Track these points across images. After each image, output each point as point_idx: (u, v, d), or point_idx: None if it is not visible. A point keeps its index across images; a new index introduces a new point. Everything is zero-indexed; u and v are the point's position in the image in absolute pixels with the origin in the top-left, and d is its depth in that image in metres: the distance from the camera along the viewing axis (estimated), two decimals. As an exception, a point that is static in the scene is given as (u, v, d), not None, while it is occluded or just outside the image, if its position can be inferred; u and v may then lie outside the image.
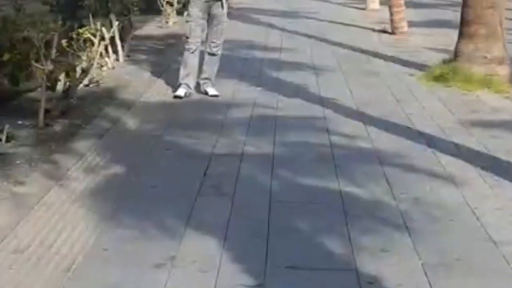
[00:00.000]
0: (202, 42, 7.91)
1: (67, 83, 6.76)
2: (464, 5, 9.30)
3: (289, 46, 11.71)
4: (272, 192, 4.88)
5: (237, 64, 9.87)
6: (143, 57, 10.19)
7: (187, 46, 7.70)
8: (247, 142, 6.07)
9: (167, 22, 13.76)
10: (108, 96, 7.58)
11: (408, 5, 14.24)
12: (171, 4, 13.88)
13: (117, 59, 9.65)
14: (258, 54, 10.84)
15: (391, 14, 13.95)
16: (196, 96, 7.84)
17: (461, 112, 7.51)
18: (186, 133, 6.28)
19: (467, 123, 7.06)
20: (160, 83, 8.43)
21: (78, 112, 6.78)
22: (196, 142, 5.99)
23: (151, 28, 13.31)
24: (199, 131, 6.39)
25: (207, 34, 7.84)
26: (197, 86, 7.93)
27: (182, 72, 7.74)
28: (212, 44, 7.83)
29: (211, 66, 7.88)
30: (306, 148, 6.00)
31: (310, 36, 13.05)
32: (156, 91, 8.01)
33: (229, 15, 16.40)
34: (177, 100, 7.59)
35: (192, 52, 7.67)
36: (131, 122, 6.58)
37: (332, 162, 5.60)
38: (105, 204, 4.53)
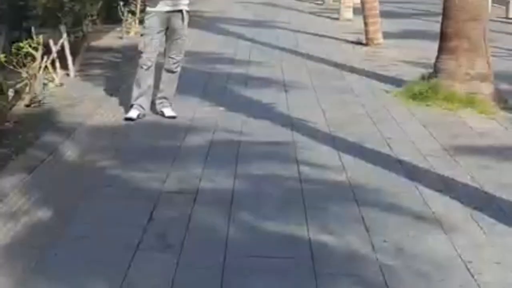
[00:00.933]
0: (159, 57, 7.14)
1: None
2: (444, 17, 8.57)
3: (258, 59, 10.94)
4: (228, 244, 4.07)
5: (200, 79, 9.07)
6: (98, 71, 9.35)
7: (141, 63, 6.88)
8: (204, 176, 5.26)
9: (128, 33, 12.91)
10: (49, 119, 6.73)
11: (382, 14, 13.55)
12: (133, 13, 13.05)
13: (68, 74, 8.82)
14: (224, 68, 10.05)
15: (366, 24, 13.25)
16: (150, 117, 7.02)
17: (444, 136, 6.78)
18: (133, 164, 5.47)
19: (451, 150, 6.32)
20: (112, 102, 7.61)
21: (10, 139, 5.95)
22: (143, 176, 5.17)
23: (110, 38, 12.46)
24: (148, 161, 5.57)
25: (165, 49, 7.04)
26: (153, 105, 7.14)
27: (135, 91, 6.92)
28: (171, 61, 7.01)
29: (169, 85, 7.07)
30: (272, 183, 5.20)
31: (280, 48, 12.29)
32: (106, 112, 7.18)
33: (197, 24, 15.94)
34: (129, 123, 6.76)
35: (147, 69, 6.86)
36: (71, 151, 5.74)
37: (301, 202, 4.81)
38: (17, 265, 3.70)
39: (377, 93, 8.78)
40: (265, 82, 9.10)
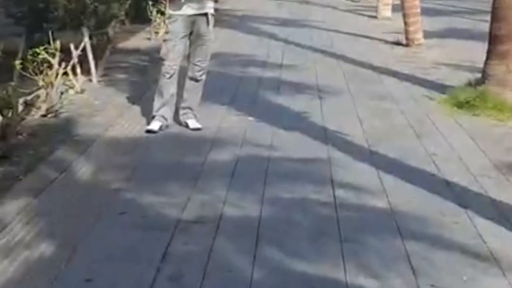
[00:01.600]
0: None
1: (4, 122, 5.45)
2: (494, 18, 7.92)
3: (291, 62, 10.38)
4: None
5: (229, 84, 8.54)
6: (122, 76, 8.86)
7: (163, 70, 6.36)
8: (228, 200, 4.73)
9: (156, 33, 12.39)
10: (66, 130, 6.25)
11: (422, 12, 12.86)
12: (162, 13, 12.55)
13: (90, 80, 8.35)
14: (255, 71, 9.50)
15: (406, 24, 12.60)
16: (173, 128, 6.50)
17: (495, 152, 6.16)
18: (152, 186, 4.95)
19: (504, 167, 5.70)
20: (135, 110, 7.10)
21: (21, 155, 5.47)
22: (161, 201, 4.65)
23: (138, 39, 11.99)
24: (168, 182, 5.04)
25: (189, 56, 6.51)
26: (177, 115, 6.62)
27: (156, 101, 6.41)
28: (195, 68, 6.48)
29: (193, 94, 6.55)
30: (303, 209, 4.64)
31: (315, 49, 11.72)
32: (128, 122, 6.68)
33: (228, 24, 15.41)
34: (150, 135, 6.24)
35: (169, 78, 6.34)
36: (85, 169, 5.24)
37: (337, 233, 4.25)
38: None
39: (419, 100, 8.17)
40: (298, 87, 8.54)
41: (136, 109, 7.16)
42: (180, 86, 6.59)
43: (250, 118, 6.99)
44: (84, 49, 8.19)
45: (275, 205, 4.69)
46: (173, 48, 6.30)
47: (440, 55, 11.48)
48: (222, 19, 15.86)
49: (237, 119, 6.96)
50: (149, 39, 11.98)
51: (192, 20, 6.31)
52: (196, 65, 6.45)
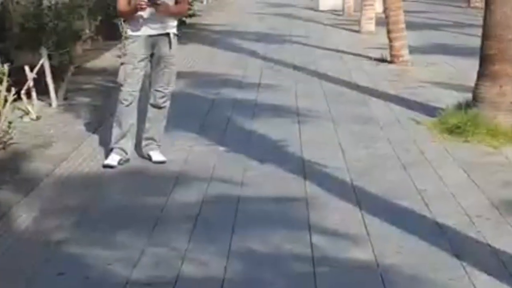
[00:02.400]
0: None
1: None
2: (485, 37, 7.31)
3: (270, 81, 9.76)
4: None
5: (200, 108, 7.90)
6: (85, 99, 8.19)
7: (121, 97, 5.70)
8: (188, 254, 4.06)
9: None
10: (12, 167, 5.57)
11: (406, 26, 12.26)
12: (134, 29, 11.91)
13: (50, 104, 7.69)
14: (230, 93, 8.87)
15: (390, 40, 12.00)
16: (134, 162, 5.84)
17: (491, 186, 5.53)
18: (100, 235, 4.28)
19: (503, 206, 5.07)
20: (93, 141, 6.44)
21: (-46, 199, 4.82)
22: (108, 255, 3.99)
23: (108, 58, 11.32)
24: (121, 230, 4.38)
25: (150, 81, 5.88)
26: (138, 146, 5.97)
27: (115, 132, 5.75)
28: (158, 94, 5.83)
29: (156, 123, 5.90)
30: (276, 265, 3.98)
31: (295, 67, 11.10)
32: (84, 155, 6.01)
33: (205, 40, 14.78)
34: (108, 170, 5.59)
35: (128, 105, 5.69)
36: (25, 216, 4.57)
37: (313, 298, 3.63)
38: None
39: (406, 124, 7.55)
40: (276, 111, 7.90)
41: (95, 138, 6.49)
42: (142, 114, 5.95)
43: (221, 148, 6.34)
44: (43, 71, 7.54)
45: (243, 259, 4.04)
46: (132, 72, 5.65)
47: (426, 73, 10.90)
48: (200, 34, 15.29)
49: (206, 149, 6.31)
50: (120, 57, 11.31)
51: (153, 41, 5.67)
52: (159, 91, 5.80)
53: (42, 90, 7.76)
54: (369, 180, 5.59)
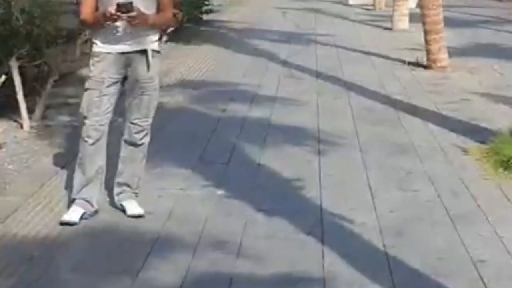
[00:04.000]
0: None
1: None
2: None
3: (288, 94, 8.41)
4: None
5: (201, 131, 6.58)
6: (67, 118, 6.88)
7: (84, 134, 4.40)
8: None
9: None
10: None
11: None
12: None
13: (21, 126, 6.44)
14: (241, 109, 7.53)
15: (427, 42, 10.59)
16: (104, 215, 4.52)
17: None
18: None
19: None
20: (60, 180, 5.11)
21: None
22: None
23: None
24: None
25: (125, 110, 4.58)
26: (110, 195, 4.69)
27: (77, 178, 4.43)
28: (134, 128, 4.50)
29: (133, 164, 4.57)
30: None
31: (319, 74, 9.74)
32: (42, 203, 4.70)
33: (222, 40, 13.41)
34: (66, 228, 4.31)
35: (93, 144, 4.39)
36: None
37: None
38: None
39: (449, 153, 6.18)
40: (292, 136, 6.55)
41: (63, 177, 5.17)
42: (112, 154, 4.66)
43: (219, 192, 5.01)
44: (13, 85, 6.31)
45: None
46: (98, 100, 4.33)
47: (470, 81, 9.49)
48: (216, 33, 13.98)
49: (200, 194, 4.98)
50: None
51: (126, 60, 4.36)
52: (134, 124, 4.48)
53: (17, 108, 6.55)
54: (407, 243, 4.24)
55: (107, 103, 4.36)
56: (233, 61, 10.82)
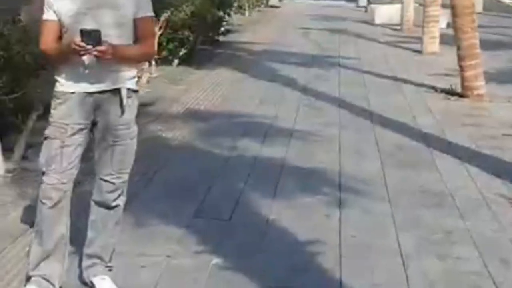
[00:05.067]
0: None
1: None
2: None
3: (307, 127, 7.47)
4: None
5: (204, 176, 5.62)
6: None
7: (42, 195, 3.49)
8: None
9: (138, 78, 9.69)
10: None
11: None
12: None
13: (-4, 168, 5.57)
14: (252, 147, 6.59)
15: (461, 68, 9.62)
16: (68, 296, 3.67)
17: None
18: None
19: None
20: (24, 244, 4.20)
21: None
22: None
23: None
24: None
25: (95, 163, 3.69)
26: (77, 268, 3.77)
27: (35, 251, 3.51)
28: (105, 186, 3.59)
29: (105, 232, 3.64)
30: None
31: (342, 103, 8.79)
32: (1, 274, 3.86)
33: (238, 63, 12.50)
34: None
35: (53, 207, 3.45)
36: None
37: None
38: None
39: (495, 206, 5.18)
40: (309, 182, 5.59)
41: (28, 241, 4.27)
42: (79, 223, 3.76)
43: (215, 261, 4.09)
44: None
45: None
46: (60, 152, 3.43)
47: (510, 113, 8.51)
48: (233, 56, 13.09)
49: (191, 264, 4.03)
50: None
51: (95, 102, 3.46)
52: (106, 181, 3.57)
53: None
54: None
55: (71, 156, 3.45)
56: (248, 87, 9.91)
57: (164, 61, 10.91)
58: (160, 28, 10.40)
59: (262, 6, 23.77)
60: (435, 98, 9.42)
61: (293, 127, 7.47)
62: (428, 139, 7.14)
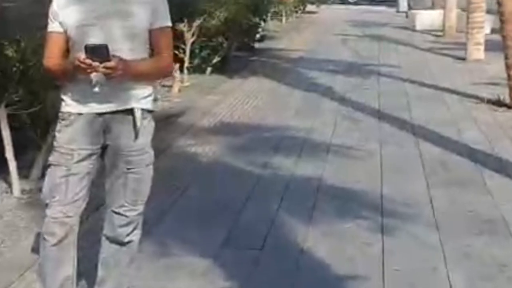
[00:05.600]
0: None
1: None
2: None
3: (345, 141, 7.00)
4: None
5: (232, 198, 5.17)
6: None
7: (44, 229, 3.08)
8: None
9: (169, 87, 9.32)
10: None
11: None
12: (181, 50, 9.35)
13: (9, 191, 5.20)
14: (285, 164, 6.13)
15: (510, 77, 9.08)
16: None
17: None
18: None
19: None
20: (30, 279, 3.79)
21: None
22: None
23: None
24: None
25: (106, 194, 3.29)
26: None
27: (37, 290, 3.19)
28: (117, 220, 3.16)
29: (117, 271, 3.23)
30: None
31: (382, 116, 8.30)
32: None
33: (273, 71, 12.03)
34: None
35: (57, 244, 3.06)
36: None
37: None
38: None
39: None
40: (349, 203, 5.13)
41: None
42: (86, 256, 3.35)
43: (243, 300, 3.68)
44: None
45: None
46: (65, 181, 3.04)
47: None
48: (268, 63, 12.68)
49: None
50: (155, 99, 8.81)
51: (105, 124, 3.06)
52: (118, 213, 3.16)
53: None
54: None
55: (78, 186, 3.05)
56: (283, 97, 9.47)
57: (197, 69, 10.54)
58: (193, 35, 10.04)
59: (299, 12, 23.35)
60: (481, 109, 8.87)
61: (330, 141, 7.01)
62: (475, 155, 6.61)
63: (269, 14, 16.60)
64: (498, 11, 9.53)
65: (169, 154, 6.28)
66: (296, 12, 22.65)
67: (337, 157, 6.44)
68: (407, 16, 22.23)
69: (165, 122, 7.42)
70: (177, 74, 9.38)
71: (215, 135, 7.13)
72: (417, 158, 6.51)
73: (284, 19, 20.53)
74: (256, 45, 13.81)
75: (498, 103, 9.11)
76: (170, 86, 9.35)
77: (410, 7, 23.54)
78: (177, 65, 9.42)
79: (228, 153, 6.47)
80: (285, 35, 17.45)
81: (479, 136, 7.38)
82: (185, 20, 9.97)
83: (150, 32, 3.09)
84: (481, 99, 9.36)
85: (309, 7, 24.82)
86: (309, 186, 5.54)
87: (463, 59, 13.30)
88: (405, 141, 7.16)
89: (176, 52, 9.85)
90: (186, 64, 9.92)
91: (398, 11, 24.93)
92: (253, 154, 6.43)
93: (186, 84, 9.78)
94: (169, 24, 3.17)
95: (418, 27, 19.06)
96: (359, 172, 5.99)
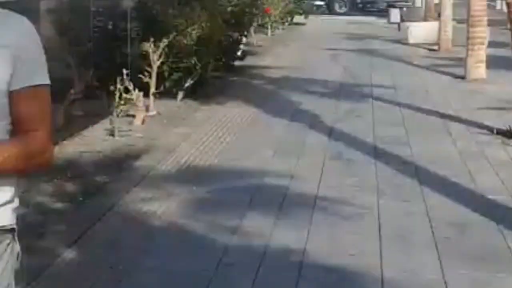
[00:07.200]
0: None
1: None
2: None
3: (333, 193, 5.70)
4: None
5: (188, 282, 3.99)
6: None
7: None
8: None
9: (133, 117, 8.06)
10: None
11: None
12: (127, 90, 8.02)
13: None
14: (260, 230, 4.80)
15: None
16: None
17: None
18: None
19: None
20: None
21: None
22: None
23: (90, 136, 7.53)
24: None
25: None
26: None
27: None
28: None
29: None
30: None
31: (378, 153, 7.04)
32: None
33: (254, 94, 10.49)
34: None
35: None
36: None
37: None
38: None
39: None
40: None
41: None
42: None
43: None
44: None
45: None
46: None
47: None
48: (248, 85, 11.42)
49: None
50: (111, 134, 7.53)
51: None
52: None
53: None
54: None
55: None
56: (261, 130, 8.19)
57: (167, 93, 9.26)
58: (160, 56, 8.81)
59: (287, 23, 22.12)
60: (493, 143, 7.62)
61: (316, 192, 5.74)
62: (495, 212, 5.37)
63: (252, 28, 15.41)
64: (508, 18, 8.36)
65: (112, 217, 5.00)
66: (283, 23, 21.43)
67: (324, 217, 5.16)
68: (399, 29, 21.06)
69: (117, 168, 6.16)
70: (140, 103, 8.13)
71: (176, 185, 5.83)
72: (424, 217, 5.24)
73: (269, 31, 19.32)
74: (237, 63, 12.55)
75: (508, 134, 7.89)
76: (133, 116, 8.10)
77: (402, 19, 22.36)
78: (141, 93, 8.22)
79: (188, 213, 5.19)
80: (270, 50, 16.23)
81: (497, 183, 6.11)
82: (151, 39, 8.77)
83: (12, 94, 1.84)
84: (490, 129, 8.14)
85: (297, 18, 23.61)
86: (288, 266, 4.25)
87: (463, 77, 12.10)
88: (407, 191, 5.89)
89: (141, 76, 8.65)
90: (152, 90, 8.68)
91: (389, 22, 23.75)
92: (220, 214, 5.16)
93: (152, 113, 8.51)
94: (46, 82, 1.92)
95: (411, 41, 17.85)
96: (352, 241, 4.72)
